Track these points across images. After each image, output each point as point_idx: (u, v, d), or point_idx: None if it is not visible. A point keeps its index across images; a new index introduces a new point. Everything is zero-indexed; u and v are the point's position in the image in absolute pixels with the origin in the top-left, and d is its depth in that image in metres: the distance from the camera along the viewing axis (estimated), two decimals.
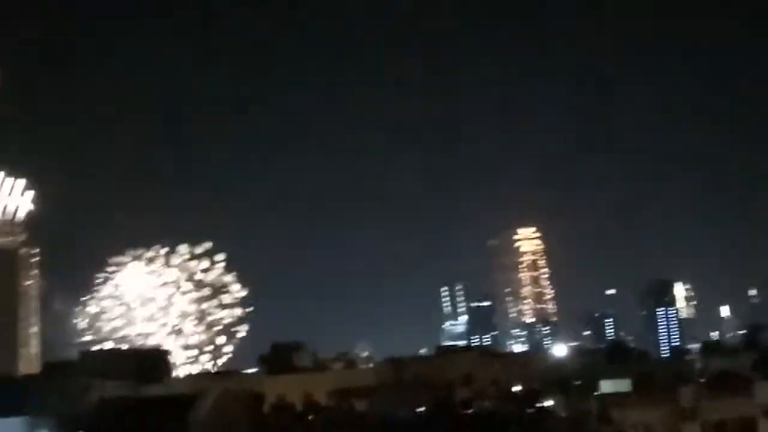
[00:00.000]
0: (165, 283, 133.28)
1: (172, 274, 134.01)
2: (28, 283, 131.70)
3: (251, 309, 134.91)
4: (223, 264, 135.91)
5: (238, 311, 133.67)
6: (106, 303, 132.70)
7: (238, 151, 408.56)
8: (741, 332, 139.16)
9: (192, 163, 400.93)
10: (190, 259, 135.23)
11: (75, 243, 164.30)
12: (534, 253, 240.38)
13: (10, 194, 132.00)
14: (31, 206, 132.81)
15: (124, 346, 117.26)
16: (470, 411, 47.77)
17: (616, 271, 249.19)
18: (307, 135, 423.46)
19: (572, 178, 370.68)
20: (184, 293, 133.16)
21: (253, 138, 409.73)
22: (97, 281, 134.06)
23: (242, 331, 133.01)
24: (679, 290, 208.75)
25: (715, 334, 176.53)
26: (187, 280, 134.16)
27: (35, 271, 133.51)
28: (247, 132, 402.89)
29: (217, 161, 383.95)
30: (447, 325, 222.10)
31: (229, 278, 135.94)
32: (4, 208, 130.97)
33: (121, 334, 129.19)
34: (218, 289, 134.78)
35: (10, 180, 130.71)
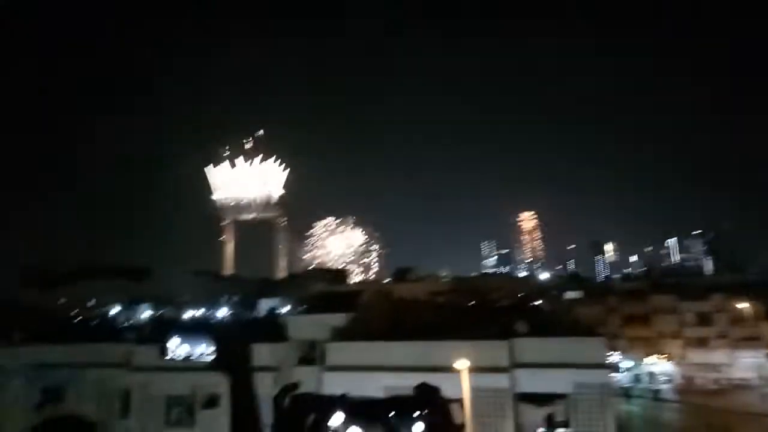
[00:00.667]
0: (346, 237, 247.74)
1: (349, 232, 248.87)
2: (280, 235, 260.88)
3: (386, 250, 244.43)
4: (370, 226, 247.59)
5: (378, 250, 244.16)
6: (316, 246, 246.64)
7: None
8: (642, 269, 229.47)
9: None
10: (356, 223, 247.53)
11: (305, 212, 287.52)
12: (534, 227, 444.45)
13: (269, 183, 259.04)
14: (281, 191, 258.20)
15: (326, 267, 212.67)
16: (498, 305, 69.57)
17: (575, 235, 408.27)
18: None
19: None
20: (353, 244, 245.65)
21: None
22: (312, 234, 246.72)
23: (380, 260, 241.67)
24: (608, 246, 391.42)
25: (628, 270, 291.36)
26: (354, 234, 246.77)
27: (283, 230, 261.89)
28: None
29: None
30: (485, 261, 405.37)
31: (372, 233, 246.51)
32: (269, 193, 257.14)
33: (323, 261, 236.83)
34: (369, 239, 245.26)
35: (270, 173, 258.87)
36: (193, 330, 34.87)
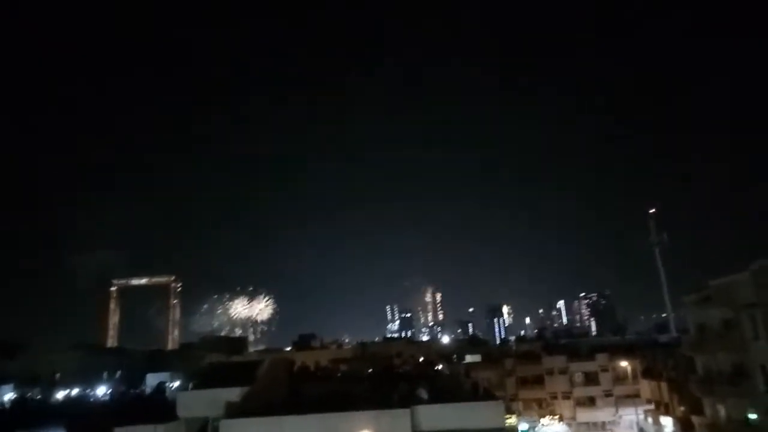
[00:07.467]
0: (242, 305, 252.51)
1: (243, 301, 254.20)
2: (174, 301, 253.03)
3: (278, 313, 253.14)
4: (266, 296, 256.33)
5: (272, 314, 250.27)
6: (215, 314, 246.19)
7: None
8: (536, 331, 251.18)
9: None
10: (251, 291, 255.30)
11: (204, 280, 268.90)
12: (432, 291, 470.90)
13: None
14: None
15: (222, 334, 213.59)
16: (400, 371, 69.12)
17: (473, 299, 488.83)
18: None
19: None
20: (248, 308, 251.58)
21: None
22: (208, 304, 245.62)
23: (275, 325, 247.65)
24: (505, 309, 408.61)
25: (522, 332, 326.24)
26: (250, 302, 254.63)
27: (177, 296, 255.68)
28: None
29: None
30: (389, 326, 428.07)
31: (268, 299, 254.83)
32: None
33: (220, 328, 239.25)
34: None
35: None
36: (52, 416, 30.30)
